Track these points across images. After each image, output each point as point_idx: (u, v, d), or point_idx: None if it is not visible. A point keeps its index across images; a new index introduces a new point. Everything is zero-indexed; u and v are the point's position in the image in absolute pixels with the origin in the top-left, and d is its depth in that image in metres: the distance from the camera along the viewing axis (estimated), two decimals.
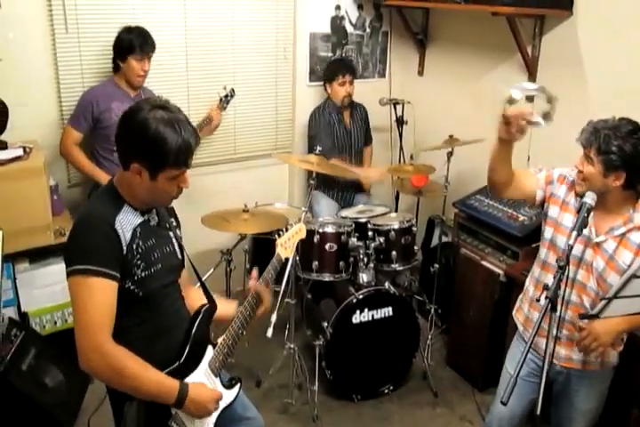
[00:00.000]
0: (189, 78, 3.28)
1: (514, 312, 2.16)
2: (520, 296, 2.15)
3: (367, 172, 3.47)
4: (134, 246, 1.42)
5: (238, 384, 1.74)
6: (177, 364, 1.53)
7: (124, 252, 1.39)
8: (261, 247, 2.88)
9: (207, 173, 3.43)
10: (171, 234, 1.62)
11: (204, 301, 1.69)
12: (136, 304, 1.46)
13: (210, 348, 1.65)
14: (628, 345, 1.97)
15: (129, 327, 1.46)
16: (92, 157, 2.81)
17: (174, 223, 1.70)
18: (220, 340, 1.67)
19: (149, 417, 1.47)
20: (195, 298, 1.71)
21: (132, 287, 1.43)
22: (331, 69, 3.48)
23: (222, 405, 1.63)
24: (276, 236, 1.86)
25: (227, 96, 3.28)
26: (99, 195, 1.51)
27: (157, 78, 3.12)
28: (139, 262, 1.43)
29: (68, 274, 1.37)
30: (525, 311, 2.07)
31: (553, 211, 1.92)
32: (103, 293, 1.35)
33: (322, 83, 3.57)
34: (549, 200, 1.94)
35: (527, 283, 2.09)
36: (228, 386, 1.70)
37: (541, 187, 1.96)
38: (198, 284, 1.75)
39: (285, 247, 1.86)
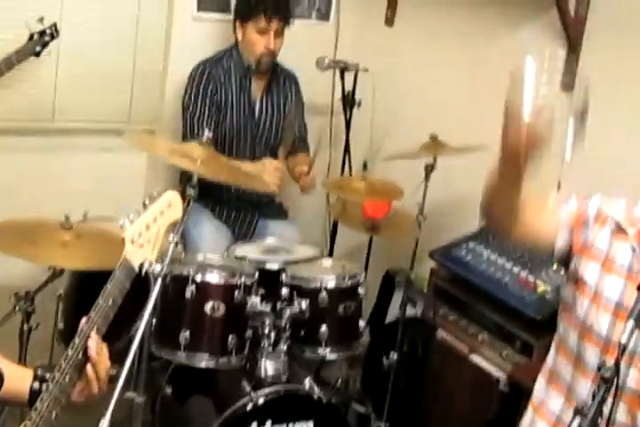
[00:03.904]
0: None
1: None
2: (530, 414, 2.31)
3: (267, 171, 3.64)
4: None
5: None
6: None
7: None
8: (89, 292, 2.92)
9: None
10: None
11: None
12: None
13: None
14: None
15: None
16: None
17: None
18: None
19: None
20: None
21: None
22: (247, 1, 3.72)
23: None
24: (122, 222, 1.90)
25: (43, 34, 3.41)
26: None
27: None
28: None
29: None
30: None
31: (588, 270, 2.08)
32: None
33: (222, 16, 3.81)
34: (581, 252, 2.10)
35: (539, 385, 2.29)
36: None
37: (566, 225, 2.14)
38: None
39: (142, 244, 1.90)
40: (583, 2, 3.35)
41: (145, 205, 1.93)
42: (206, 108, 3.67)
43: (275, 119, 3.89)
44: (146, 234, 1.92)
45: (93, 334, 1.82)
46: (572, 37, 3.40)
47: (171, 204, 2.01)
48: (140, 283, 2.12)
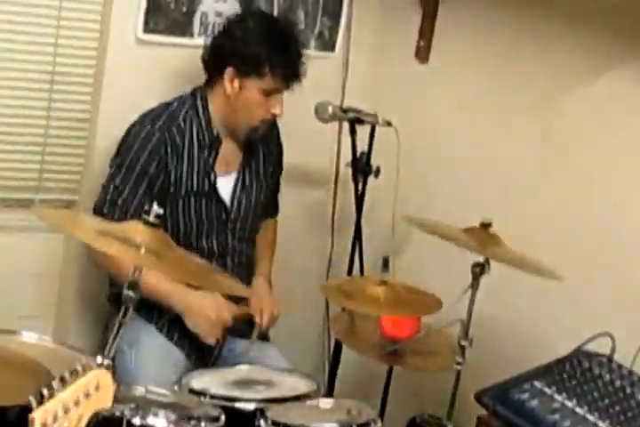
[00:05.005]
0: None
1: None
2: None
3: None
4: None
5: None
6: None
7: None
8: None
9: None
10: None
11: None
12: None
13: None
14: None
15: None
16: None
17: None
18: None
19: None
20: None
21: None
22: (255, 48, 3.53)
23: None
24: (31, 399, 1.79)
25: None
26: None
27: None
28: None
29: None
30: None
31: None
32: None
33: (183, 40, 3.75)
34: None
35: None
36: None
37: None
38: None
39: None
40: None
41: (64, 381, 1.81)
42: (143, 184, 3.53)
43: (258, 195, 3.81)
44: (62, 419, 1.79)
45: None
46: None
47: (99, 386, 1.91)
48: None
